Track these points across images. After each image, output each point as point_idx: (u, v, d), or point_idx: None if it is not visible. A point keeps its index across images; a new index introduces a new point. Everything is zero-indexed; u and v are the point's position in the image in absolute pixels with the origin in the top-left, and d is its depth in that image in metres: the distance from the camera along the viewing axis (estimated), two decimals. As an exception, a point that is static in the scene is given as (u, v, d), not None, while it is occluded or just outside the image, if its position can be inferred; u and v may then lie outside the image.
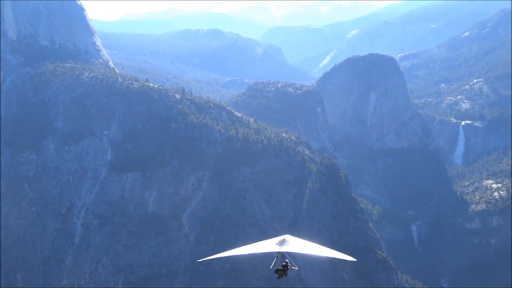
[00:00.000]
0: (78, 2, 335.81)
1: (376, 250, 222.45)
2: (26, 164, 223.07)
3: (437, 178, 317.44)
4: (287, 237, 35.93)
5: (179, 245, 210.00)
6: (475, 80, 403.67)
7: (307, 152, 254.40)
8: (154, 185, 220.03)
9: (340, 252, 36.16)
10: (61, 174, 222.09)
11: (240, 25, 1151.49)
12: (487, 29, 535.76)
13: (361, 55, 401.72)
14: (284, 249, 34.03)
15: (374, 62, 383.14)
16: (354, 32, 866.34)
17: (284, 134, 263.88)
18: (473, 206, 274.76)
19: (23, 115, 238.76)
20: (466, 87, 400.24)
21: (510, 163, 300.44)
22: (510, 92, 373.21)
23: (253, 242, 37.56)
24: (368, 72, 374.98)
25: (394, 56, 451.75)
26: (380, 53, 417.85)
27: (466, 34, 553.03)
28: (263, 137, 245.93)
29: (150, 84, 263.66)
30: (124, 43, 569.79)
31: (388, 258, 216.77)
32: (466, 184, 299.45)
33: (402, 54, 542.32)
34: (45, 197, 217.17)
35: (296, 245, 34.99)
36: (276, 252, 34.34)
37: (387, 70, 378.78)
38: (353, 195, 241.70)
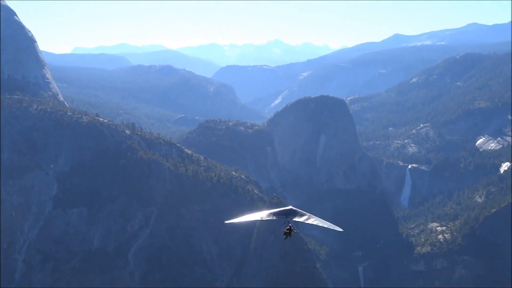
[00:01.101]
0: (29, 34, 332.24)
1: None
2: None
3: (384, 220, 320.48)
4: (292, 209, 45.76)
5: (124, 283, 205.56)
6: (421, 125, 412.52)
7: (256, 191, 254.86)
8: (100, 221, 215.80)
9: None
10: (3, 208, 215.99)
11: (193, 63, 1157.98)
12: (434, 76, 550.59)
13: (312, 97, 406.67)
14: (289, 218, 45.06)
15: (325, 104, 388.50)
16: (305, 73, 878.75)
17: (234, 173, 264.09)
18: (418, 248, 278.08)
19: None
20: (413, 131, 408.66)
21: (454, 206, 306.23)
22: (455, 138, 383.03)
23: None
24: (318, 114, 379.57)
25: (344, 98, 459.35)
26: (331, 95, 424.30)
27: (414, 80, 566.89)
28: (213, 175, 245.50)
29: (100, 119, 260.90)
30: (75, 77, 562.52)
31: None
32: (412, 226, 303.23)
33: (352, 97, 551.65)
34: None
35: (298, 216, 45.09)
36: (285, 220, 45.51)
37: (337, 112, 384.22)
38: (301, 235, 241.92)
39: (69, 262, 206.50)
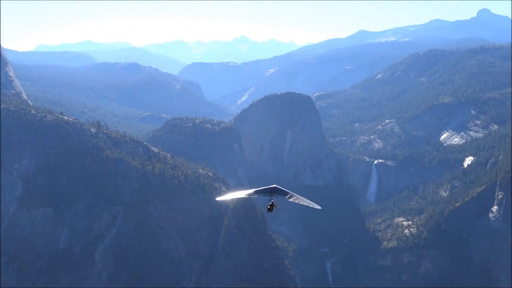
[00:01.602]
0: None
1: (291, 287, 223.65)
2: None
3: (351, 215, 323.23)
4: (276, 187, 50.79)
5: (91, 283, 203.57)
6: (387, 121, 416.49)
7: (224, 188, 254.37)
8: (66, 221, 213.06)
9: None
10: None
11: (159, 60, 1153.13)
12: (399, 72, 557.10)
13: (278, 93, 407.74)
14: (273, 196, 50.41)
15: (291, 100, 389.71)
16: (272, 70, 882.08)
17: (201, 170, 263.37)
18: (385, 243, 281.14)
19: None
20: (379, 127, 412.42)
21: (419, 201, 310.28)
22: (419, 133, 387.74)
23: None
24: (285, 111, 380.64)
25: (310, 95, 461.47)
26: (297, 91, 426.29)
27: (379, 76, 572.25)
28: (180, 173, 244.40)
29: (65, 117, 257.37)
30: (39, 75, 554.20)
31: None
32: (379, 221, 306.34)
33: (318, 94, 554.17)
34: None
35: (281, 194, 50.38)
36: (269, 197, 50.80)
37: (303, 109, 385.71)
38: (269, 232, 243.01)
39: (35, 263, 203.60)
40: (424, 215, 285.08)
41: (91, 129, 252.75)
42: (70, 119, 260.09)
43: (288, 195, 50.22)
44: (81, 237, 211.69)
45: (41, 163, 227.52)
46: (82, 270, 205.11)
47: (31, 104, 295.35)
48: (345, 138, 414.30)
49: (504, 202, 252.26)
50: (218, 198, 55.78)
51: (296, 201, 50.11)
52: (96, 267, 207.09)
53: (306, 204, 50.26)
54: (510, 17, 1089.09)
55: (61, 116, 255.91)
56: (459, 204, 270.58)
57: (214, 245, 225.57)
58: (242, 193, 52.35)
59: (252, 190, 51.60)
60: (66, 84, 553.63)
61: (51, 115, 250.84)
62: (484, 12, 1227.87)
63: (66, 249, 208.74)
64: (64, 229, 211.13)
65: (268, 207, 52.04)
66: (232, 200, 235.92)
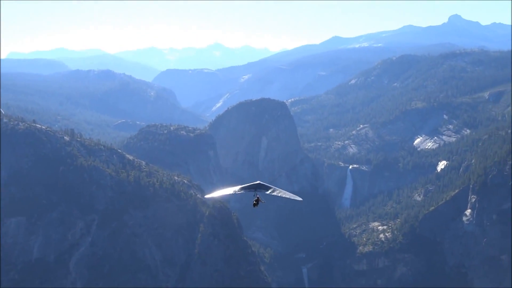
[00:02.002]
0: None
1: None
2: None
3: (327, 220, 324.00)
4: (260, 183, 54.44)
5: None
6: (361, 126, 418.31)
7: (199, 195, 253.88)
8: (40, 230, 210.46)
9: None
10: None
11: (132, 67, 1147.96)
12: (372, 78, 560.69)
13: (253, 100, 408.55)
14: (258, 191, 54.49)
15: (266, 106, 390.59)
16: (246, 76, 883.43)
17: (176, 177, 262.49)
18: (360, 248, 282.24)
19: None
20: (353, 132, 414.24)
21: (394, 205, 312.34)
22: (393, 138, 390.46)
23: None
24: (260, 117, 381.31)
25: (285, 101, 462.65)
26: (272, 97, 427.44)
27: (353, 81, 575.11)
28: (155, 180, 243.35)
29: (38, 125, 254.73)
30: (11, 83, 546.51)
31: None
32: (354, 226, 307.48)
33: (292, 100, 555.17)
34: None
35: (264, 189, 54.11)
36: (254, 192, 54.74)
37: (278, 115, 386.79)
38: (244, 238, 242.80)
39: (8, 273, 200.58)
40: (399, 220, 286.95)
41: (65, 137, 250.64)
42: (43, 127, 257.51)
43: (271, 190, 53.90)
44: (55, 247, 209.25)
45: (13, 172, 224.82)
46: (56, 280, 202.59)
47: (3, 112, 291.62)
48: (320, 144, 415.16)
49: (477, 205, 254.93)
50: (207, 196, 61.61)
51: (279, 194, 53.58)
52: (71, 277, 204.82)
53: (288, 196, 54.28)
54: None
55: (34, 124, 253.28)
56: (433, 208, 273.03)
57: (190, 252, 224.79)
58: (229, 190, 55.04)
59: (238, 187, 54.62)
60: (38, 92, 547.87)
61: (23, 123, 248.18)
62: (455, 18, 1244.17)
63: (40, 258, 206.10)
64: (38, 239, 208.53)
65: (254, 202, 56.37)
66: (208, 207, 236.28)
